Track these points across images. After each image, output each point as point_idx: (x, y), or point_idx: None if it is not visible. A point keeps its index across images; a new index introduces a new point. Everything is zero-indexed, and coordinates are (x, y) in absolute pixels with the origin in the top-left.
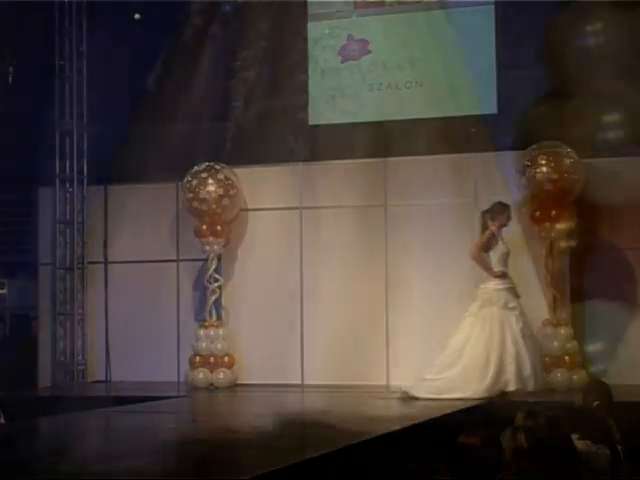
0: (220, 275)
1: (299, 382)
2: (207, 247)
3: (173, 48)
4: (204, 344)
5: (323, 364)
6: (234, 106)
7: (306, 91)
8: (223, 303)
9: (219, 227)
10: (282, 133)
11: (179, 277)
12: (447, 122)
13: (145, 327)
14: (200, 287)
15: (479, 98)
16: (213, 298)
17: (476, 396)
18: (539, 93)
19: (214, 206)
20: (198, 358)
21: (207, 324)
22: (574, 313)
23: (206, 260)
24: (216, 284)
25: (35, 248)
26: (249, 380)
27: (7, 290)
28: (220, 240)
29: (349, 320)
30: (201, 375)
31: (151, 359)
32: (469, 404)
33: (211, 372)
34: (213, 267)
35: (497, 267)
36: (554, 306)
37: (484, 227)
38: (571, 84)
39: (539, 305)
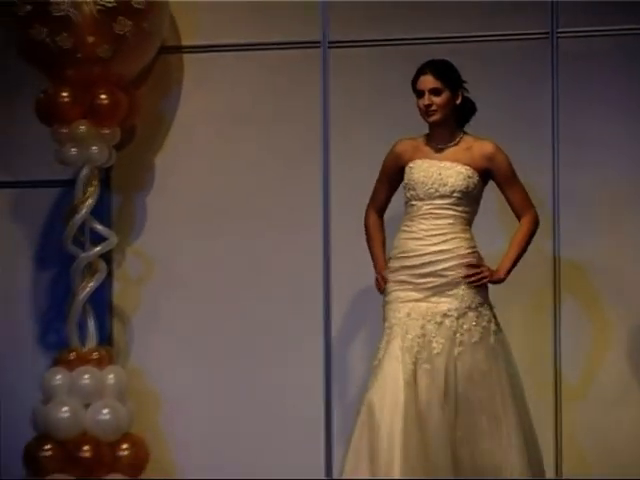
0: (109, 228)
1: None
2: (73, 152)
3: None
4: (64, 409)
5: None
6: None
7: None
8: (116, 302)
9: (104, 96)
10: None
11: None
12: None
13: None
14: (55, 258)
15: None
16: (89, 288)
17: None
18: None
19: (91, 38)
20: (49, 447)
21: (72, 356)
22: None
23: (69, 185)
24: (97, 250)
25: None
26: None
27: None
28: (107, 133)
29: None
30: None
31: None
32: None
33: None
34: (88, 206)
35: None
36: None
37: None
38: None
39: None
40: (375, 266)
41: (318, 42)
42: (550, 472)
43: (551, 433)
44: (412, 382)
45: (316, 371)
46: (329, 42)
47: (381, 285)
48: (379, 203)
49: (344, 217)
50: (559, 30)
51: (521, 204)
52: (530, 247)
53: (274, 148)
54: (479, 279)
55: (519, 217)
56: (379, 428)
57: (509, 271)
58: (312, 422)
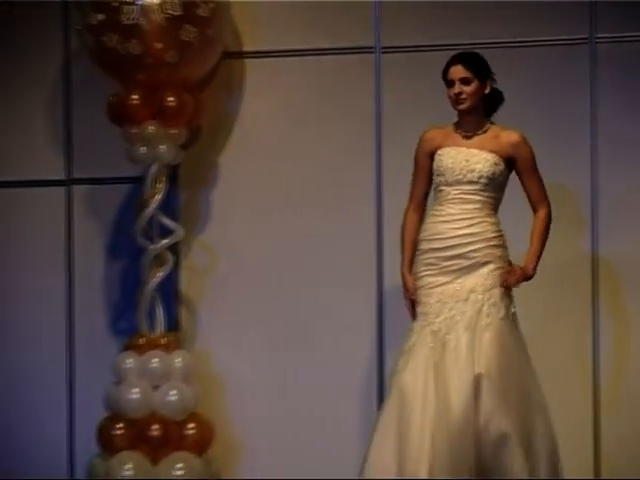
0: (176, 222)
1: None
2: (142, 150)
3: None
4: (135, 391)
5: None
6: None
7: None
8: (183, 290)
9: (171, 99)
10: None
11: (72, 223)
12: None
13: None
14: (125, 250)
15: None
16: (158, 278)
17: None
18: None
19: (159, 44)
20: (121, 426)
21: (142, 341)
22: None
23: (138, 182)
24: (165, 242)
25: None
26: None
27: None
28: (174, 133)
29: None
30: (129, 468)
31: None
32: None
33: (154, 460)
34: (157, 201)
35: None
36: None
37: None
38: None
39: None
40: (402, 267)
41: (372, 48)
42: (589, 473)
43: (589, 434)
44: (441, 365)
45: (372, 353)
46: (382, 47)
47: (408, 283)
48: (418, 197)
49: (395, 212)
50: (597, 36)
51: (538, 196)
52: (567, 245)
53: (330, 146)
54: (515, 281)
55: (534, 207)
56: (410, 417)
57: (536, 267)
58: (368, 402)
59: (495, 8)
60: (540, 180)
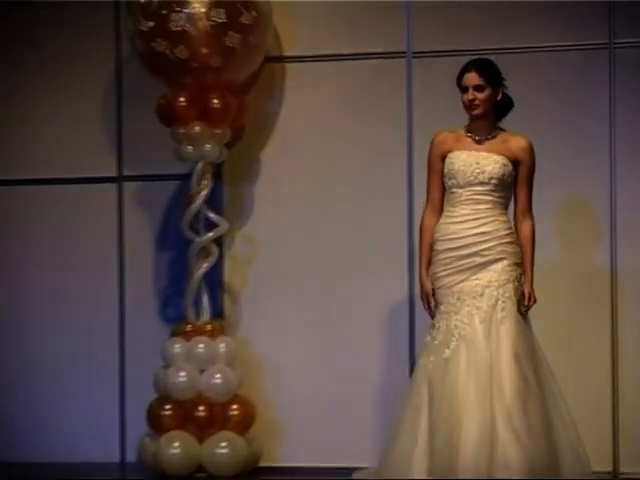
0: (221, 216)
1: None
2: (189, 149)
3: None
4: (182, 374)
5: None
6: None
7: None
8: (227, 280)
9: (216, 101)
10: None
11: (123, 218)
12: None
13: (38, 331)
14: (173, 242)
15: None
16: (204, 268)
17: None
18: None
19: (204, 50)
20: (169, 407)
21: (189, 328)
22: None
23: (185, 179)
24: (210, 235)
25: None
26: (288, 460)
27: None
28: (219, 132)
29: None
30: (176, 446)
31: (58, 399)
32: None
33: (200, 439)
34: (202, 197)
35: None
36: None
37: None
38: None
39: None
40: (420, 270)
41: (404, 52)
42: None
43: (608, 429)
44: (456, 356)
45: (405, 340)
46: (413, 52)
47: (426, 287)
48: (434, 200)
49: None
50: (616, 41)
51: (525, 205)
52: (586, 256)
53: (364, 146)
54: (528, 311)
55: (519, 217)
56: (451, 416)
57: (533, 287)
58: (402, 386)
59: (517, 14)
60: (531, 192)
